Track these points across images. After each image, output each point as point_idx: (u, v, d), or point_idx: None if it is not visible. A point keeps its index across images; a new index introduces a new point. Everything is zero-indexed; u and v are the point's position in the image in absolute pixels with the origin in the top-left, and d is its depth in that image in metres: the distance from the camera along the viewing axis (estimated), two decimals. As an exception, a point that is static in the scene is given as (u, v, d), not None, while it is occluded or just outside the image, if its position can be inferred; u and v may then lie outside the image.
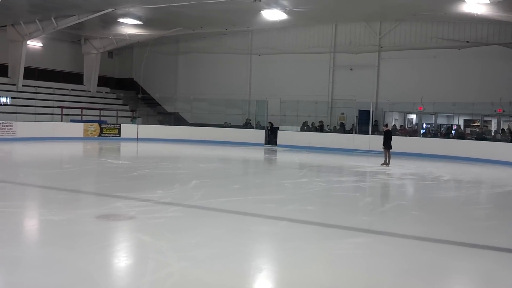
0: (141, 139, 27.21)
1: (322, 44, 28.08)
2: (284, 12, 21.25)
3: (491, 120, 25.40)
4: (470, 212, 9.77)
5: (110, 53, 34.44)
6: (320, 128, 26.35)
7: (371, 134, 23.91)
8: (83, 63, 31.52)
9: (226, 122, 29.17)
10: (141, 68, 33.66)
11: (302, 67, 28.58)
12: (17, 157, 18.58)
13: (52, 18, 24.31)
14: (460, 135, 23.37)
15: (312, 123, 26.77)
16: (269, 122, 27.58)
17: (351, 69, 27.43)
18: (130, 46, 32.82)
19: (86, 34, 29.69)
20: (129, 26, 25.92)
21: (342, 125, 26.72)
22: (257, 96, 29.52)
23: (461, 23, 23.94)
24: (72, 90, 30.14)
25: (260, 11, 21.44)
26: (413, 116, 27.58)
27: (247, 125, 28.81)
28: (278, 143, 26.20)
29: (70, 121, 27.11)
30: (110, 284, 4.97)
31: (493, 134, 23.07)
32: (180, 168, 16.29)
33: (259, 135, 27.08)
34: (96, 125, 26.85)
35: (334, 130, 26.64)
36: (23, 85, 27.21)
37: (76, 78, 31.61)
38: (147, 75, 33.95)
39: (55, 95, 28.65)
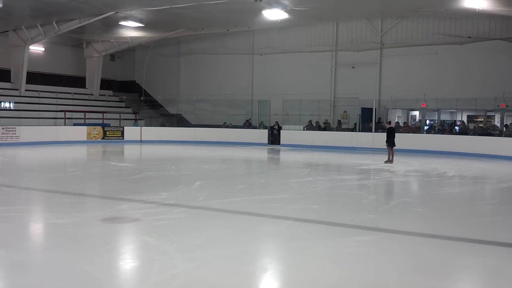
0: (145, 141, 27.24)
1: (324, 43, 28.03)
2: (285, 11, 21.25)
3: (494, 115, 25.32)
4: (476, 208, 9.74)
5: (112, 56, 34.49)
6: (326, 127, 26.36)
7: (374, 132, 23.87)
8: (85, 67, 31.59)
9: (225, 123, 29.18)
10: (143, 71, 33.68)
11: (304, 66, 28.55)
12: (21, 161, 18.62)
13: (54, 23, 24.36)
14: (464, 131, 23.32)
15: (317, 122, 26.76)
16: (276, 122, 27.50)
17: (353, 67, 27.37)
18: (132, 49, 32.87)
19: (87, 37, 29.74)
20: (131, 29, 25.96)
21: (339, 123, 26.72)
22: (259, 96, 29.51)
23: (463, 19, 23.86)
24: (74, 93, 30.22)
25: (261, 11, 21.44)
26: (416, 113, 27.51)
27: (249, 125, 28.78)
28: (281, 142, 26.22)
29: (73, 125, 27.18)
30: (116, 286, 4.97)
31: (499, 130, 22.98)
32: (184, 169, 16.30)
33: (262, 135, 27.09)
34: (99, 128, 26.90)
35: (330, 128, 26.58)
36: (26, 90, 27.30)
37: (78, 81, 31.68)
38: (149, 77, 33.98)
39: (58, 99, 28.71)
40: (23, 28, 25.66)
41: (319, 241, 6.65)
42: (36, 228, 7.65)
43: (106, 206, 9.02)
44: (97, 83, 31.60)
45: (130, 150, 23.45)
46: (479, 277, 5.57)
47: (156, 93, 33.91)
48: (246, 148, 24.71)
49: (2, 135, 22.85)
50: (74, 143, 25.08)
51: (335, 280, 5.20)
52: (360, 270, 5.47)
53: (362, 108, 25.41)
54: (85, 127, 26.71)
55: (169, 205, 8.85)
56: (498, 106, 22.69)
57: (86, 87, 31.65)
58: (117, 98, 33.47)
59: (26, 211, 8.59)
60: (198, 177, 12.94)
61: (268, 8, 21.01)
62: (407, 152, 20.95)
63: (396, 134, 17.84)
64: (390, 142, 17.36)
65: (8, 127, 23.23)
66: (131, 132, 27.71)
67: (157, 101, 33.77)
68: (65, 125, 26.86)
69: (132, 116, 31.35)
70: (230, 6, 20.45)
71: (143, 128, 28.39)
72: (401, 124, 25.12)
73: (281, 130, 26.75)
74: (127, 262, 5.78)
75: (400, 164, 17.12)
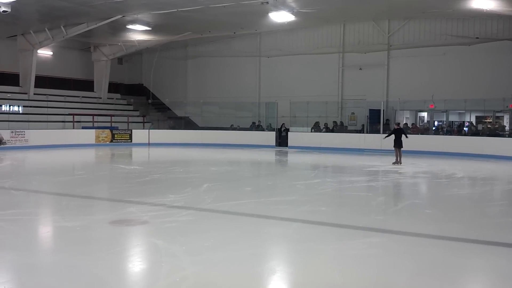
0: (153, 144, 27.31)
1: (331, 44, 28.00)
2: (292, 13, 21.22)
3: (503, 116, 25.12)
4: (484, 210, 9.66)
5: (120, 60, 34.66)
6: (334, 128, 26.34)
7: (382, 133, 23.75)
8: (93, 70, 31.77)
9: (232, 125, 29.19)
10: (151, 74, 33.82)
11: (311, 68, 28.53)
12: (30, 165, 18.75)
13: (62, 27, 24.53)
14: (474, 132, 23.17)
15: (325, 124, 26.73)
16: (282, 124, 27.46)
17: (360, 69, 27.31)
18: (139, 52, 33.00)
19: (95, 41, 29.90)
20: (138, 32, 26.06)
21: (342, 124, 26.66)
22: (266, 98, 29.53)
23: (470, 19, 23.74)
24: (83, 97, 30.36)
25: (267, 13, 21.43)
26: (425, 114, 27.38)
27: (258, 127, 28.77)
28: (289, 144, 26.20)
29: (82, 128, 27.33)
30: (124, 289, 4.98)
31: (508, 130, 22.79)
32: (192, 172, 16.32)
33: (270, 137, 27.09)
34: (107, 131, 27.03)
35: (338, 130, 26.53)
36: (34, 94, 27.49)
37: (86, 85, 31.87)
38: (156, 81, 34.11)
39: (66, 103, 28.87)
40: (31, 32, 25.84)
41: (327, 243, 6.64)
42: (45, 231, 7.69)
43: (114, 209, 9.06)
44: (105, 87, 31.76)
45: (138, 153, 23.53)
46: (488, 279, 5.53)
47: (163, 96, 34.04)
48: (254, 150, 24.71)
49: (11, 139, 23.02)
50: (82, 146, 25.22)
51: (343, 282, 5.18)
52: (368, 272, 5.45)
53: (370, 110, 25.32)
54: (94, 130, 26.86)
55: (177, 208, 8.86)
56: (507, 106, 22.54)
57: (94, 90, 31.83)
58: (125, 101, 33.62)
59: (35, 214, 8.63)
60: (206, 180, 12.96)
61: (275, 11, 20.99)
62: (415, 153, 20.85)
63: (403, 135, 17.76)
64: (398, 143, 17.30)
65: (17, 130, 23.41)
66: (139, 135, 27.83)
67: (164, 104, 33.91)
68: (73, 128, 27.01)
69: (139, 119, 31.45)
70: (237, 9, 20.48)
71: (151, 131, 28.49)
72: (409, 125, 25.00)
73: (288, 132, 26.75)
74: (136, 264, 5.79)
75: (409, 165, 17.05)
